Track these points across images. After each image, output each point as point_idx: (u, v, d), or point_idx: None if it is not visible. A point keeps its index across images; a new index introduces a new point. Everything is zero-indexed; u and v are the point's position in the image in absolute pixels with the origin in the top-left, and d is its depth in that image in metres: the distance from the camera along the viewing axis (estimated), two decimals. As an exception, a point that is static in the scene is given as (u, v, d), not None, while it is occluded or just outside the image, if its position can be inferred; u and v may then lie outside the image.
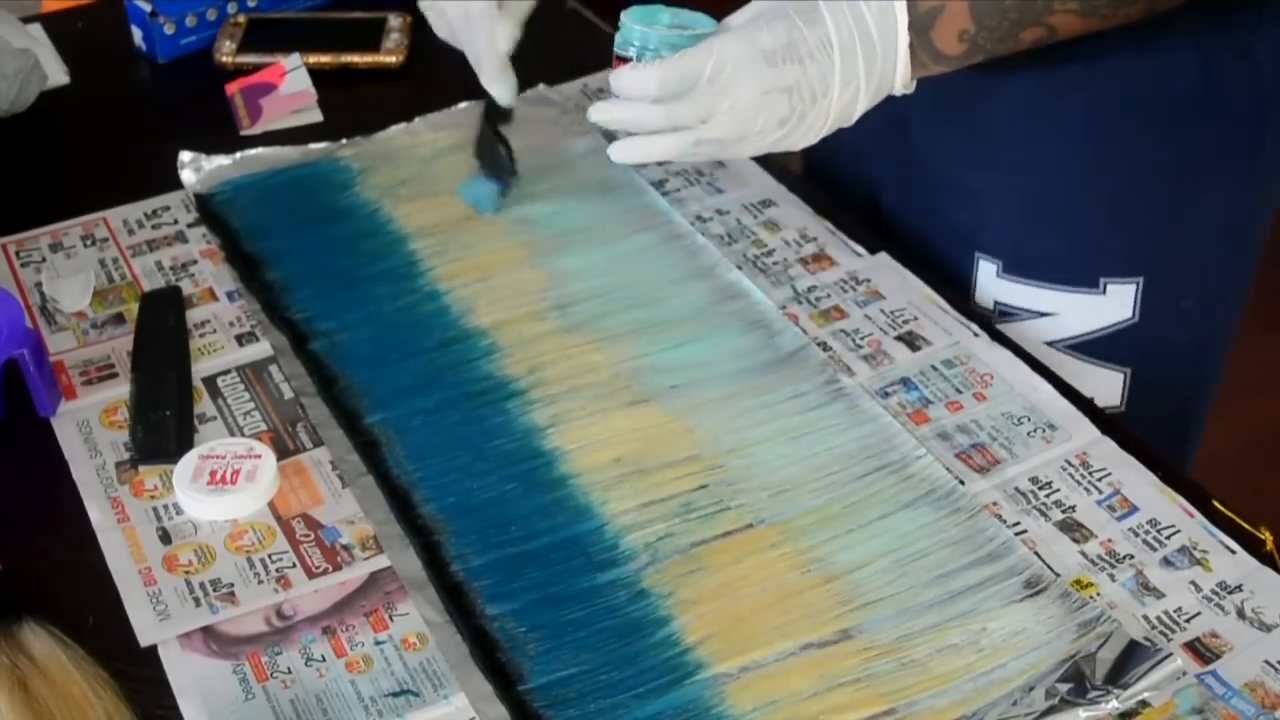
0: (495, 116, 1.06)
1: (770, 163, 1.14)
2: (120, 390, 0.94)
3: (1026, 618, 0.78)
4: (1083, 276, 1.02)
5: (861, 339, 0.97)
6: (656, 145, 0.87)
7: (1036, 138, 1.00)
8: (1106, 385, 1.05)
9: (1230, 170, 1.01)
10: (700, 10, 0.90)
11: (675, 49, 0.85)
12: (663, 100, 0.84)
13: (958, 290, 1.04)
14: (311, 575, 0.82)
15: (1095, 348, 1.04)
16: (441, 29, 1.04)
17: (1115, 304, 1.03)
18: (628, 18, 0.87)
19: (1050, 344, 1.04)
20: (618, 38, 0.88)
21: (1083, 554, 0.82)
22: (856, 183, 1.15)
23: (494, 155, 1.07)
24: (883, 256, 1.04)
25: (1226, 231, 1.03)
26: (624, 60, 0.87)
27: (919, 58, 0.84)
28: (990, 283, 1.06)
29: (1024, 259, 1.04)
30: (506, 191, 1.07)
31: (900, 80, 0.85)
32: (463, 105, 1.18)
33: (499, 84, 1.02)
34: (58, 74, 1.26)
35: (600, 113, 0.87)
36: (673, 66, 0.83)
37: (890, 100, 1.06)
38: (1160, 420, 1.06)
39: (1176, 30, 0.93)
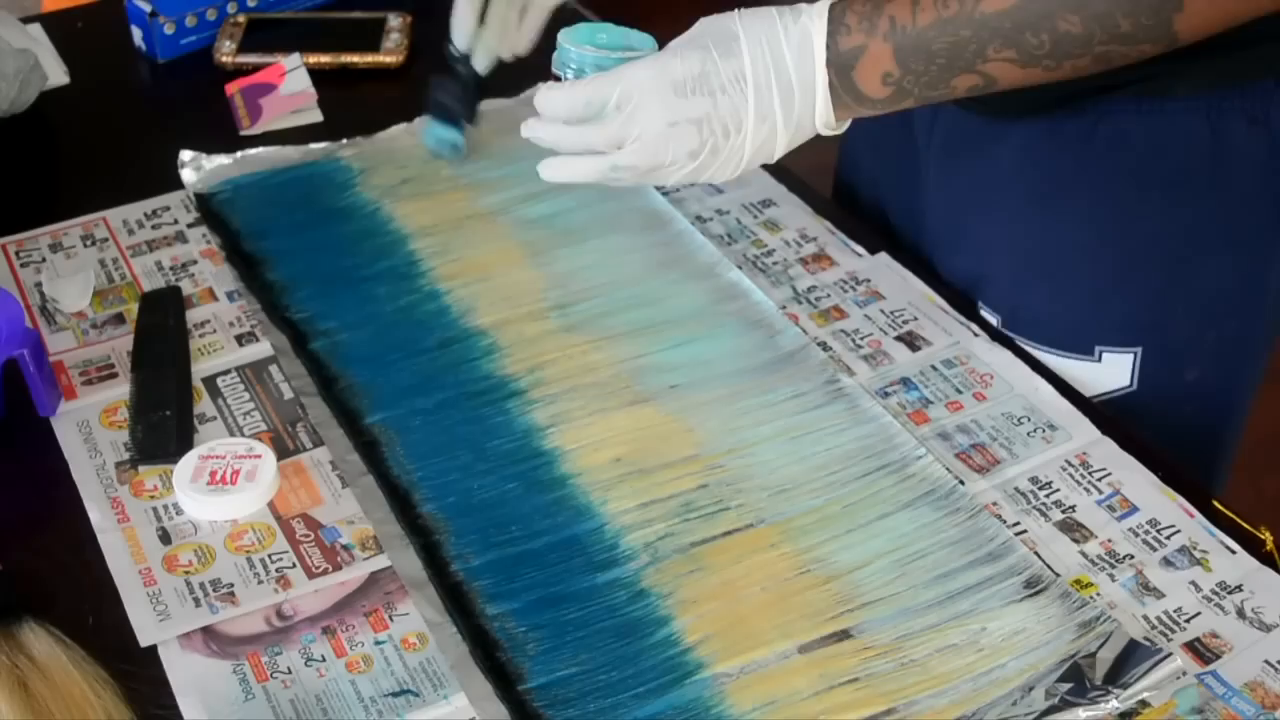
0: (454, 61, 1.08)
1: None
2: (120, 390, 0.94)
3: (1026, 618, 0.78)
4: (1077, 342, 0.99)
5: (861, 339, 0.97)
6: (578, 166, 0.85)
7: (1037, 192, 0.97)
8: None
9: (1239, 242, 0.96)
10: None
11: (601, 70, 0.84)
12: (574, 124, 0.84)
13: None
14: (311, 575, 0.82)
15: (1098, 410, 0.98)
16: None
17: (1112, 371, 0.99)
18: (563, 36, 0.87)
19: None
20: (555, 55, 0.87)
21: (1083, 554, 0.82)
22: (873, 207, 1.14)
23: (447, 98, 1.09)
24: (883, 257, 1.04)
25: (1234, 305, 0.98)
26: (558, 79, 0.87)
27: (841, 99, 0.81)
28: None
29: (1019, 318, 1.00)
30: (462, 132, 1.10)
31: (821, 120, 0.82)
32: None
33: (461, 24, 1.03)
34: (58, 74, 1.26)
35: (528, 129, 0.87)
36: (580, 90, 0.83)
37: (909, 136, 1.05)
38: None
39: (1186, 93, 0.90)
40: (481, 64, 1.07)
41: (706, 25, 0.82)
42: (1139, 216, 0.95)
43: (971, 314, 0.99)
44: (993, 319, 1.01)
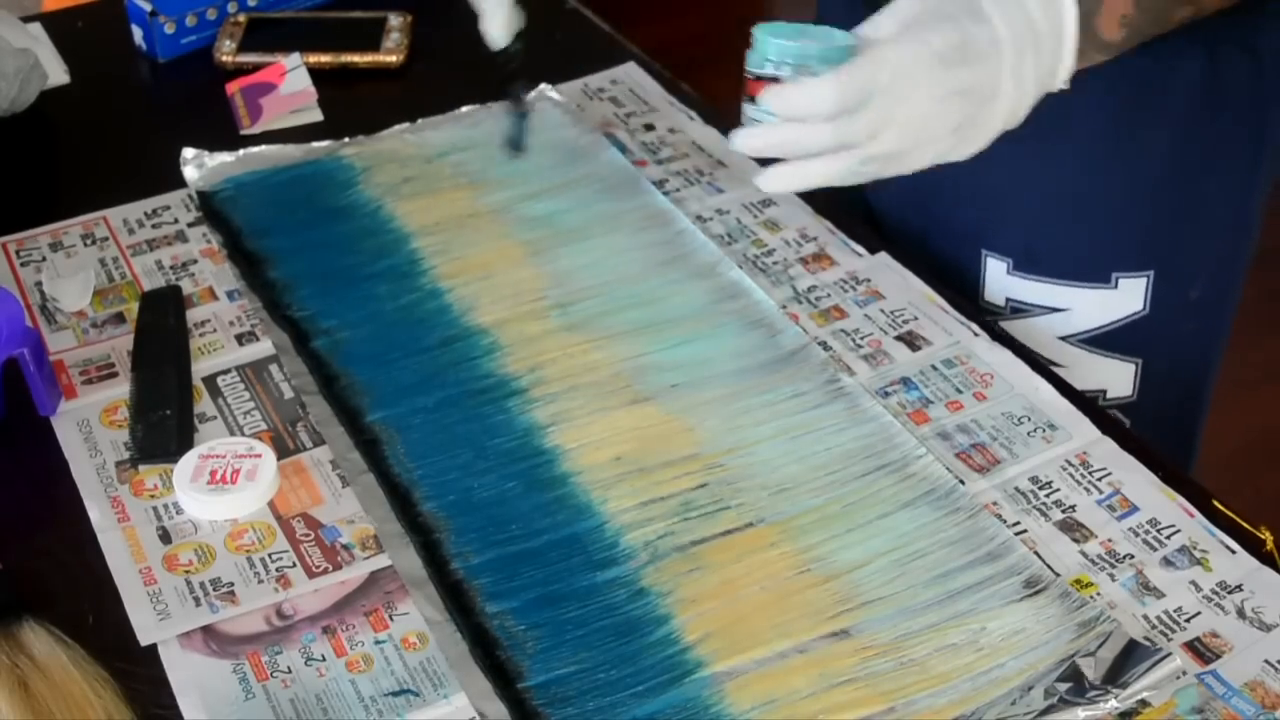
0: (510, 94, 1.04)
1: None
2: (120, 390, 0.94)
3: (1026, 617, 0.78)
4: (1094, 271, 1.03)
5: (861, 339, 0.97)
6: (815, 169, 0.79)
7: (1048, 137, 0.99)
8: (1118, 376, 1.06)
9: (1235, 163, 1.02)
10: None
11: (828, 62, 0.77)
12: (836, 117, 0.77)
13: (963, 288, 1.04)
14: (311, 575, 0.82)
15: (1107, 340, 1.05)
16: None
17: (1126, 297, 1.04)
18: (763, 33, 0.80)
19: (1063, 339, 1.05)
20: (752, 56, 0.80)
21: (1083, 554, 0.82)
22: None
23: (511, 128, 1.05)
24: (883, 256, 1.04)
25: (1231, 222, 1.05)
26: (765, 80, 0.79)
27: (1081, 48, 0.80)
28: (1000, 280, 1.06)
29: (1035, 256, 1.04)
30: (525, 122, 1.05)
31: (1063, 75, 0.81)
32: (465, 109, 1.18)
33: (493, 20, 0.98)
34: (58, 74, 1.26)
35: (749, 139, 0.80)
36: (850, 77, 0.76)
37: None
38: (1168, 406, 1.08)
39: (1187, 30, 0.93)
40: (501, 38, 1.00)
41: None
42: (1145, 145, 0.99)
43: (972, 314, 0.99)
44: (1001, 264, 1.04)
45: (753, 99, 0.80)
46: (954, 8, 0.78)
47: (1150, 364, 1.06)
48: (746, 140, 0.80)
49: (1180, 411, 1.11)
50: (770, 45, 0.80)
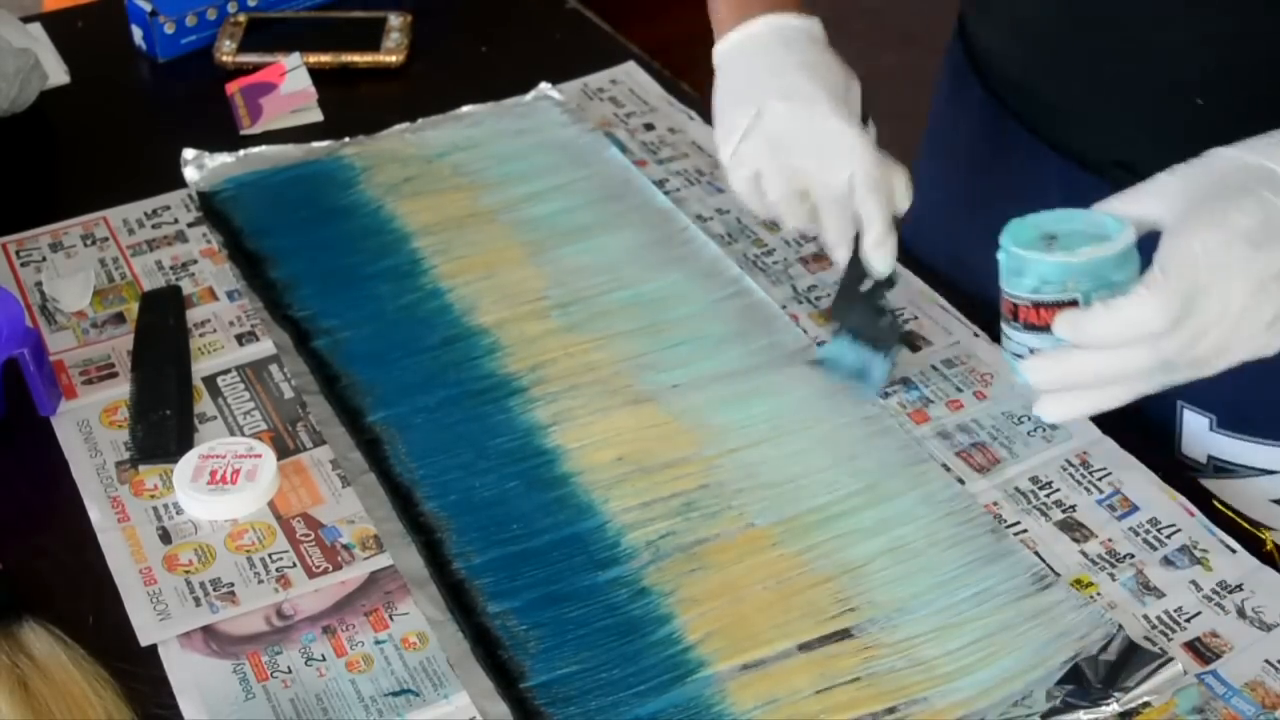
0: (871, 281, 0.89)
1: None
2: (120, 390, 0.94)
3: (1027, 618, 0.78)
4: None
5: (862, 338, 0.97)
6: (1117, 394, 0.70)
7: None
8: None
9: None
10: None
11: (1122, 270, 0.67)
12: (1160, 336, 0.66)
13: (1153, 437, 0.92)
14: (312, 575, 0.81)
15: None
16: (789, 210, 0.87)
17: None
18: (1020, 247, 0.68)
19: (1276, 502, 0.92)
20: (1018, 279, 0.69)
21: (1083, 554, 0.82)
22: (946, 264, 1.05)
23: (871, 322, 0.91)
24: (883, 256, 1.04)
25: None
26: (1047, 306, 0.68)
27: None
28: (1201, 436, 0.93)
29: (1243, 414, 0.91)
30: (894, 361, 0.92)
31: None
32: (465, 109, 1.18)
33: (883, 251, 0.86)
34: (58, 74, 1.26)
35: (1044, 372, 0.69)
36: (1170, 288, 0.65)
37: (1006, 192, 0.96)
38: None
39: None
40: (889, 266, 0.88)
41: (1211, 169, 0.69)
42: None
43: (971, 314, 0.99)
44: (1203, 419, 0.92)
45: (1024, 325, 0.69)
46: (1245, 177, 0.67)
47: None
48: (1041, 375, 0.69)
49: None
50: (1045, 266, 0.68)
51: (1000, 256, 0.70)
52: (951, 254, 1.06)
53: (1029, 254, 0.68)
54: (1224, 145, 0.69)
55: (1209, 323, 0.67)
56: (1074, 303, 0.68)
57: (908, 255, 1.08)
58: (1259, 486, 0.93)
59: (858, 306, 0.90)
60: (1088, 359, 0.68)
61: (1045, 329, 0.68)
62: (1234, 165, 0.69)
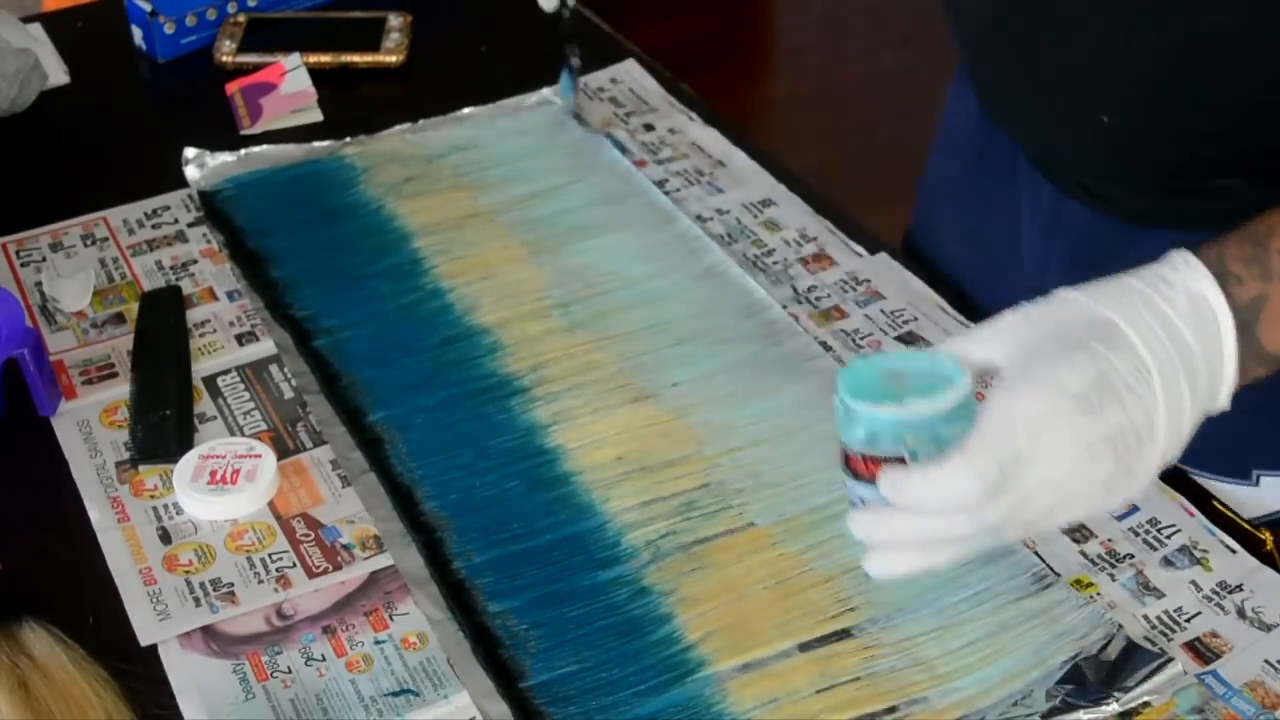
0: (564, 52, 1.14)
1: (770, 162, 1.14)
2: (120, 390, 0.94)
3: (1027, 618, 0.78)
4: (1234, 468, 0.89)
5: (862, 339, 0.97)
6: (943, 555, 0.66)
7: None
8: None
9: None
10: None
11: (954, 425, 0.64)
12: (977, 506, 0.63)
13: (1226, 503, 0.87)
14: (311, 575, 0.82)
15: None
16: None
17: (1271, 494, 0.90)
18: (850, 398, 0.64)
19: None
20: (850, 429, 0.65)
21: (1083, 553, 0.82)
22: (953, 281, 1.04)
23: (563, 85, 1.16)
24: (883, 257, 1.04)
25: None
26: (875, 460, 0.64)
27: (1241, 364, 0.66)
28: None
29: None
30: (572, 68, 1.15)
31: (1225, 395, 0.66)
32: (465, 109, 1.18)
33: None
34: (58, 74, 1.26)
35: (868, 530, 0.66)
36: (987, 457, 0.62)
37: (1013, 232, 0.97)
38: None
39: None
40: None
41: (1054, 314, 0.66)
42: None
43: (971, 314, 0.99)
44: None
45: (854, 474, 0.66)
46: (1083, 333, 0.64)
47: None
48: (865, 530, 0.66)
49: None
50: (868, 418, 0.64)
51: (835, 401, 0.66)
52: (953, 253, 1.07)
53: (858, 405, 0.64)
54: (1071, 287, 0.66)
55: (1032, 489, 0.63)
56: (902, 459, 0.64)
57: (913, 253, 1.10)
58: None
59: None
60: (910, 520, 0.65)
61: (874, 482, 0.65)
62: (1077, 314, 0.65)
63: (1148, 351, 0.64)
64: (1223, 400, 0.67)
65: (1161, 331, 0.64)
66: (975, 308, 1.00)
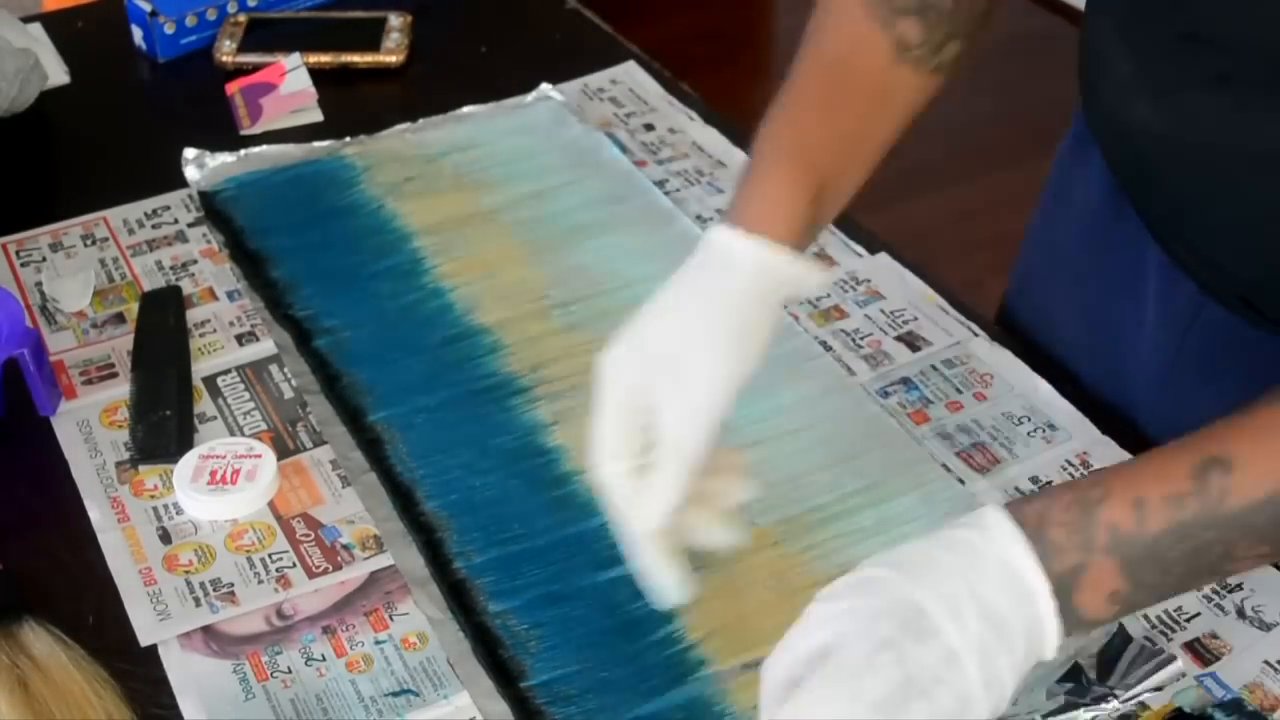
0: None
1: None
2: (120, 390, 0.94)
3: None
4: None
5: (862, 339, 0.97)
6: None
7: None
8: None
9: None
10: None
11: None
12: None
13: (1160, 441, 0.81)
14: (311, 575, 0.81)
15: None
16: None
17: None
18: None
19: None
20: None
21: (1084, 553, 0.82)
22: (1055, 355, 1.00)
23: None
24: (883, 257, 1.04)
25: None
26: None
27: (1064, 628, 0.65)
28: None
29: None
30: None
31: (1051, 650, 0.65)
32: (465, 109, 1.18)
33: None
34: (58, 74, 1.26)
35: None
36: None
37: (1137, 325, 0.91)
38: None
39: None
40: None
41: (862, 604, 0.63)
42: None
43: (972, 314, 0.99)
44: None
45: None
46: (889, 627, 0.61)
47: None
48: None
49: None
50: None
51: None
52: (1046, 322, 1.02)
53: None
54: (883, 561, 0.64)
55: None
56: None
57: (1011, 324, 1.03)
58: None
59: None
60: None
61: None
62: (888, 601, 0.62)
63: (960, 639, 0.61)
64: (1049, 654, 0.64)
65: (973, 611, 0.62)
66: (1090, 399, 0.93)
